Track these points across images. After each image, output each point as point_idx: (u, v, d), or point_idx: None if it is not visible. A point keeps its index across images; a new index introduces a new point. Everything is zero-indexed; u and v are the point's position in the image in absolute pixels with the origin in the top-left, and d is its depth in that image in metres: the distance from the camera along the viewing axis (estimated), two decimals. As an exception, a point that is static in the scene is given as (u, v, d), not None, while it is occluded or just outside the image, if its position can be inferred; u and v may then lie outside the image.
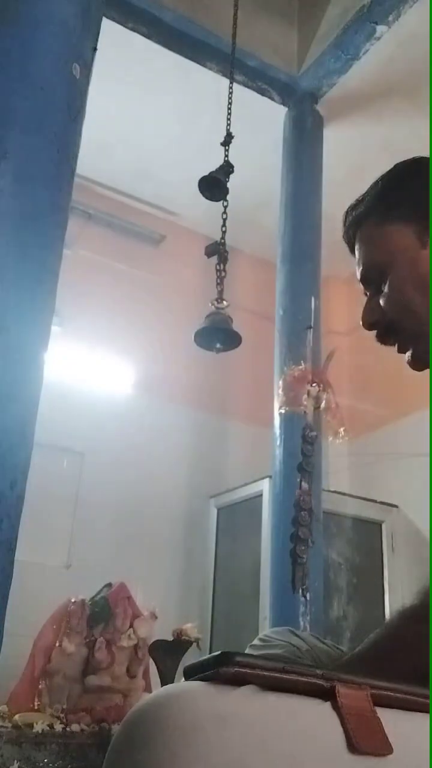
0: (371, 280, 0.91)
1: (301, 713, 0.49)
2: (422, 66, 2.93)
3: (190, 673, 0.52)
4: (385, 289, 0.89)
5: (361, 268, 0.93)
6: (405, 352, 0.91)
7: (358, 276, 0.95)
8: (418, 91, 3.12)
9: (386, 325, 0.91)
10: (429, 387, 0.73)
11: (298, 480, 2.69)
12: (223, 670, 0.49)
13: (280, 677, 0.50)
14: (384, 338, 0.93)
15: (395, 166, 0.97)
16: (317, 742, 0.48)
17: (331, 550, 3.35)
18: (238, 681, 0.49)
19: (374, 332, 0.94)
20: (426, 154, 0.94)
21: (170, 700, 0.48)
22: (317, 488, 2.80)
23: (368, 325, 0.92)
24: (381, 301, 0.90)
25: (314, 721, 0.49)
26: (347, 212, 0.98)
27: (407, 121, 3.34)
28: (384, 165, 0.94)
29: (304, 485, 2.68)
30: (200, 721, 0.46)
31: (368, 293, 0.93)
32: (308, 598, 2.61)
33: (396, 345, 0.92)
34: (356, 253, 0.96)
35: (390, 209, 0.90)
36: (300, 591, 2.58)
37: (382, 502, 3.68)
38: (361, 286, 0.97)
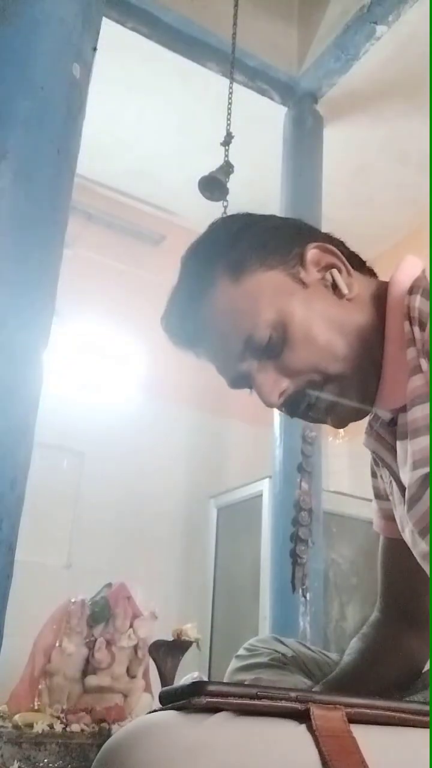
0: (257, 346, 0.77)
1: (275, 738, 0.49)
2: (422, 66, 2.93)
3: (166, 700, 0.53)
4: (290, 345, 0.76)
5: (235, 343, 0.78)
6: (327, 416, 0.79)
7: (232, 352, 0.79)
8: (418, 91, 3.12)
9: (304, 388, 0.77)
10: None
11: (298, 480, 2.69)
12: (195, 700, 0.50)
13: (254, 704, 0.50)
14: (298, 406, 0.79)
15: (210, 226, 0.87)
16: (292, 767, 0.47)
17: (330, 551, 3.35)
18: (211, 709, 0.50)
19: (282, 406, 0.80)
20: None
21: (144, 733, 0.50)
22: (317, 488, 2.80)
23: (278, 395, 0.78)
24: (287, 364, 0.77)
25: (289, 745, 0.48)
26: (172, 302, 0.86)
27: (407, 121, 3.33)
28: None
29: (304, 485, 2.68)
30: (172, 754, 0.47)
31: (251, 367, 0.79)
32: (308, 598, 2.62)
33: (311, 413, 0.79)
34: (211, 334, 0.81)
35: (243, 262, 0.80)
36: (300, 591, 2.58)
37: (382, 502, 3.67)
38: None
